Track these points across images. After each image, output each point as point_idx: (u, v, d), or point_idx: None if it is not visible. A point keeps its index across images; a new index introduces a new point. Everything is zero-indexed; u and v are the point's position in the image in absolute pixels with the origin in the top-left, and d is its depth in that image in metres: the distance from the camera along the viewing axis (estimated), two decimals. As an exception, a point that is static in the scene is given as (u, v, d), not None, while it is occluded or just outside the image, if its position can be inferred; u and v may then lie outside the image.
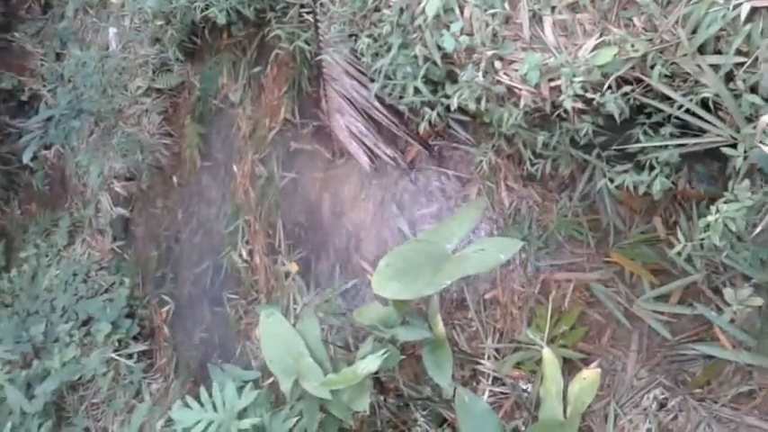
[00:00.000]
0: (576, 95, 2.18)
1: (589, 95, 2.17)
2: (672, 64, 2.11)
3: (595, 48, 2.20)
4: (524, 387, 3.22)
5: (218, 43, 4.80)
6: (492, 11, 2.40)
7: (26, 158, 5.14)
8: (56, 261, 5.85)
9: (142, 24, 4.90)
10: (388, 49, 2.90)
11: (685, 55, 2.06)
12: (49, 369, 5.08)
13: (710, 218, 2.00)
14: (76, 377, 5.06)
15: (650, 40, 2.12)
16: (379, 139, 3.70)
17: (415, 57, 2.72)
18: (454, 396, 2.89)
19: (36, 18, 6.04)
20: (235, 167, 4.64)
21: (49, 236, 6.06)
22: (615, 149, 2.55)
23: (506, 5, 2.44)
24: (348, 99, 3.67)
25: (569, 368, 2.94)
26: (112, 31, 5.27)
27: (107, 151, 5.19)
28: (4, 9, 6.04)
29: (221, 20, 3.92)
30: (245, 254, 4.49)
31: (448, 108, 2.82)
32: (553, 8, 2.34)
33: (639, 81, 2.21)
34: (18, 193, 6.55)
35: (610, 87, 2.18)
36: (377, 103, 3.55)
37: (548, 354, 2.56)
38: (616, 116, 2.23)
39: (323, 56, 3.56)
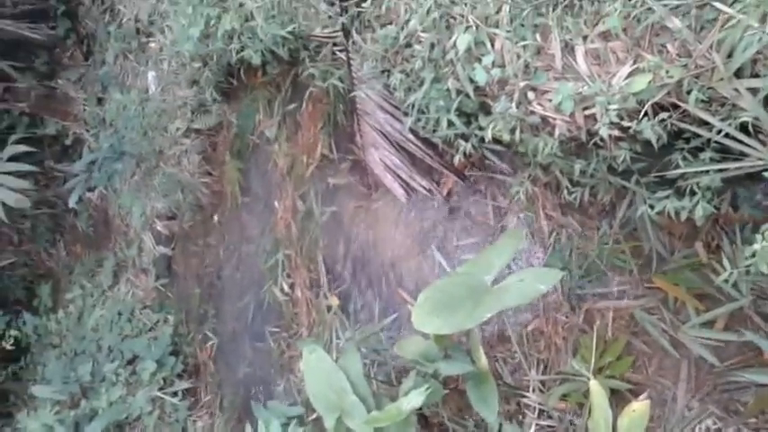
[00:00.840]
0: (612, 123, 2.17)
1: (625, 123, 2.14)
2: (708, 89, 2.09)
3: (629, 75, 2.19)
4: (571, 419, 3.15)
5: (254, 82, 4.89)
6: (523, 42, 2.41)
7: (72, 202, 5.28)
8: (101, 301, 5.96)
9: (180, 67, 5.03)
10: (421, 84, 2.92)
11: (722, 79, 2.04)
12: (97, 409, 5.15)
13: (756, 246, 1.95)
14: (123, 416, 5.12)
15: (685, 65, 2.10)
16: (414, 172, 3.72)
17: (448, 90, 2.74)
18: (499, 430, 2.85)
19: (78, 65, 6.25)
20: (276, 203, 4.69)
21: (94, 276, 6.19)
22: (654, 176, 2.51)
23: (538, 36, 2.45)
24: (382, 133, 3.70)
25: (617, 399, 2.87)
26: (151, 74, 5.43)
27: (149, 192, 5.31)
28: (48, 57, 6.26)
29: (256, 60, 4.00)
30: (286, 287, 4.51)
31: (482, 139, 2.82)
32: (585, 37, 2.34)
33: (676, 107, 2.19)
34: (63, 235, 6.73)
35: (646, 114, 2.16)
36: (411, 136, 3.57)
37: (595, 386, 2.50)
38: (653, 143, 2.20)
39: (356, 92, 3.60)
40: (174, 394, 5.21)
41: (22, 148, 5.62)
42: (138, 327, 5.64)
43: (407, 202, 3.77)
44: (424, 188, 3.70)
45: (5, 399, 6.02)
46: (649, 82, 2.09)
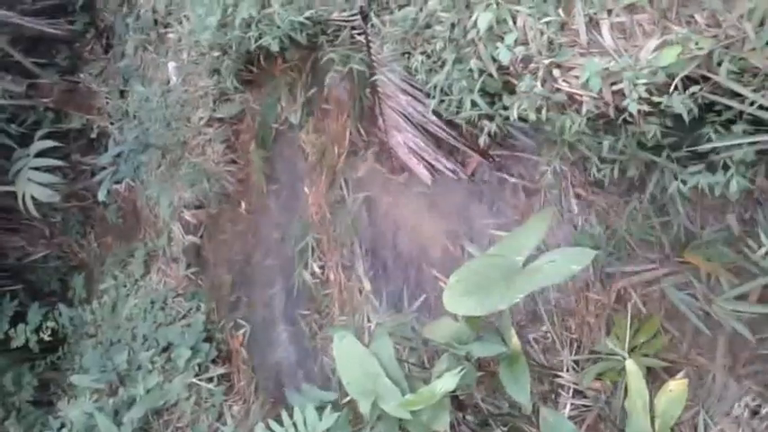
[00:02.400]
0: (641, 98, 2.11)
1: (655, 98, 2.09)
2: (740, 59, 2.03)
3: (657, 48, 2.13)
4: (606, 398, 3.13)
5: (274, 68, 4.87)
6: (546, 19, 2.36)
7: (102, 196, 5.33)
8: (134, 291, 6.03)
9: (199, 57, 5.02)
10: (443, 65, 2.88)
11: (753, 49, 1.97)
12: (135, 396, 5.24)
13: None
14: (161, 403, 5.20)
15: (715, 36, 2.04)
16: (438, 153, 3.69)
17: (471, 70, 2.70)
18: (534, 411, 2.84)
19: (99, 58, 6.27)
20: (305, 189, 4.69)
21: (126, 267, 6.26)
22: (686, 150, 2.45)
23: (561, 12, 2.39)
24: (404, 115, 3.67)
25: (652, 378, 2.84)
26: (172, 65, 5.43)
27: (175, 182, 5.34)
28: (69, 53, 6.29)
29: (275, 47, 3.98)
30: (317, 269, 4.53)
31: (507, 118, 2.78)
32: (610, 11, 2.28)
33: (706, 79, 2.13)
34: (94, 227, 6.81)
35: (676, 88, 2.10)
36: (434, 118, 3.53)
37: (631, 365, 2.47)
38: (684, 116, 2.15)
39: (377, 75, 3.57)
40: (210, 380, 5.27)
41: (49, 143, 5.68)
42: (171, 315, 5.70)
43: (433, 184, 3.75)
44: (449, 169, 3.67)
45: (46, 388, 6.16)
46: (678, 55, 2.03)
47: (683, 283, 2.92)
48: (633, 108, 2.15)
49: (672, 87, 2.10)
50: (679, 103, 2.08)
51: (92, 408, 5.19)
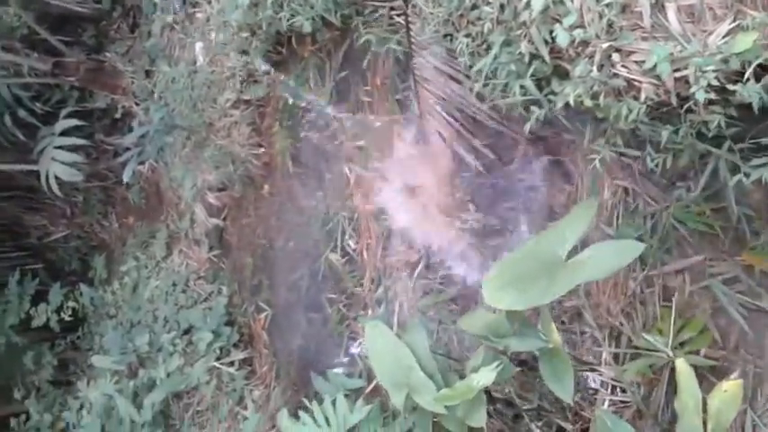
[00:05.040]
0: (710, 86, 2.00)
1: (730, 87, 1.98)
2: (821, 46, 1.91)
3: (728, 33, 2.01)
4: (645, 394, 3.04)
5: (304, 50, 4.79)
6: (607, 0, 2.24)
7: (126, 176, 5.27)
8: (155, 272, 5.98)
9: (228, 37, 4.94)
10: (488, 48, 2.78)
11: (837, 35, 1.86)
12: (155, 379, 5.21)
13: None
14: (182, 386, 5.17)
15: (794, 21, 1.92)
16: (477, 139, 3.59)
17: (520, 54, 2.59)
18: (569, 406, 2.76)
19: (125, 37, 6.18)
20: (346, 169, 4.61)
21: (148, 248, 6.22)
22: (750, 142, 2.34)
23: (622, -6, 2.28)
24: (444, 100, 3.56)
25: (698, 376, 2.74)
26: (199, 45, 5.35)
27: (200, 164, 5.27)
28: (95, 31, 6.21)
29: (307, 28, 3.90)
30: (352, 245, 4.47)
31: (553, 105, 2.67)
32: (676, -7, 2.17)
33: (779, 67, 2.01)
34: (115, 208, 6.77)
35: (750, 76, 1.98)
36: (475, 102, 3.42)
37: (682, 364, 2.38)
38: (755, 106, 2.03)
39: (415, 58, 3.47)
40: (231, 364, 5.22)
41: (74, 122, 5.62)
42: (193, 297, 5.65)
43: (472, 170, 3.65)
44: (489, 156, 3.57)
45: (66, 368, 6.15)
46: (754, 41, 1.91)
47: (732, 279, 2.82)
48: (701, 96, 2.04)
49: (746, 76, 1.98)
50: (752, 93, 1.96)
51: (112, 389, 5.17)
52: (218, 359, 5.25)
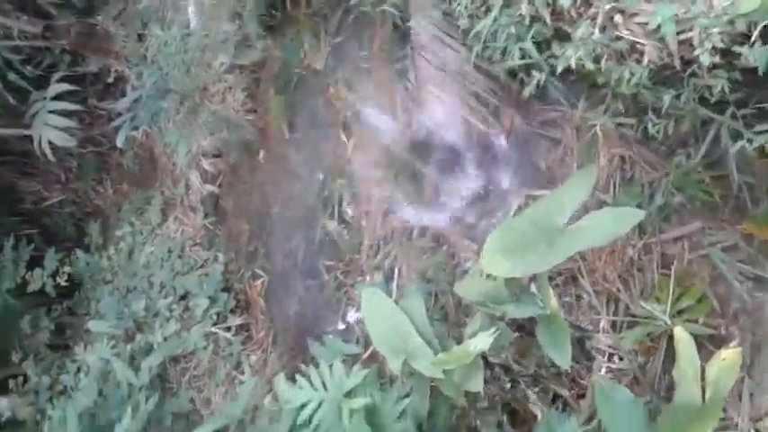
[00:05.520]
0: (715, 49, 1.95)
1: (736, 49, 1.93)
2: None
3: (735, -6, 1.96)
4: (642, 362, 3.05)
5: (298, 13, 4.70)
6: (610, -40, 2.19)
7: (120, 142, 5.21)
8: (151, 239, 5.96)
9: (221, 0, 4.84)
10: (488, 10, 2.72)
11: None
12: (152, 343, 5.22)
13: None
14: (179, 351, 5.18)
15: (803, -19, 1.86)
16: (473, 107, 3.53)
17: (521, 16, 2.53)
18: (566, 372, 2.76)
19: (117, 0, 6.06)
20: (344, 136, 4.54)
21: (143, 214, 6.18)
22: (753, 107, 2.30)
23: (625, -47, 2.21)
24: (440, 66, 3.50)
25: (697, 345, 2.74)
26: (192, 9, 5.23)
27: (194, 130, 5.21)
28: (86, -8, 6.08)
29: (303, -10, 3.81)
30: (351, 212, 4.43)
31: (554, 69, 2.63)
32: (681, -47, 2.10)
33: (787, 29, 1.96)
34: (110, 173, 6.71)
35: (756, 38, 1.94)
36: (471, 69, 3.36)
37: (681, 332, 2.37)
38: (761, 69, 1.99)
39: (412, 22, 3.39)
40: (228, 329, 5.23)
41: (66, 86, 5.53)
42: (189, 264, 5.64)
43: (467, 138, 3.60)
44: (484, 124, 3.51)
45: (62, 332, 6.15)
46: (762, 1, 1.86)
47: (731, 247, 2.81)
48: (705, 59, 1.99)
49: (752, 38, 1.93)
50: (759, 55, 1.92)
51: (109, 353, 5.17)
52: (214, 324, 5.26)
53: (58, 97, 5.53)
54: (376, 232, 4.20)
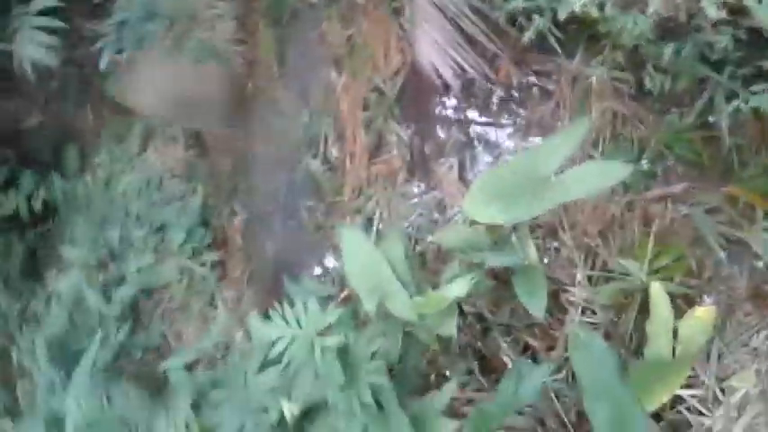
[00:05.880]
0: (724, 2, 1.91)
1: (745, 1, 1.89)
2: None
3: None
4: (614, 318, 3.08)
5: (295, -60, 4.56)
6: None
7: (103, 64, 5.04)
8: (129, 168, 5.83)
9: None
10: (492, -51, 2.64)
11: None
12: (125, 274, 5.17)
13: None
14: (152, 283, 5.15)
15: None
16: (468, 53, 3.45)
17: (526, -45, 2.46)
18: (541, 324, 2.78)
19: None
20: (334, 74, 4.44)
21: (122, 142, 6.03)
22: (752, 67, 2.27)
23: None
24: (437, 6, 3.40)
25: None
26: (184, -73, 5.04)
27: (180, 58, 5.07)
28: None
29: None
30: (336, 153, 4.38)
31: (555, 15, 2.57)
32: None
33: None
34: (91, 98, 6.54)
35: (766, -6, 1.89)
36: (469, 12, 3.28)
37: (657, 289, 2.39)
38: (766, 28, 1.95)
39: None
40: (203, 264, 5.19)
41: (50, 1, 5.33)
42: (167, 195, 5.54)
43: (458, 84, 3.54)
44: (478, 71, 3.44)
45: (35, 259, 6.07)
46: (776, -46, 1.82)
47: (714, 209, 2.81)
48: (712, 12, 1.95)
49: (762, -10, 1.89)
50: (766, 14, 1.87)
51: (81, 281, 5.12)
52: (189, 258, 5.22)
53: (43, 13, 5.33)
54: (360, 175, 4.15)
